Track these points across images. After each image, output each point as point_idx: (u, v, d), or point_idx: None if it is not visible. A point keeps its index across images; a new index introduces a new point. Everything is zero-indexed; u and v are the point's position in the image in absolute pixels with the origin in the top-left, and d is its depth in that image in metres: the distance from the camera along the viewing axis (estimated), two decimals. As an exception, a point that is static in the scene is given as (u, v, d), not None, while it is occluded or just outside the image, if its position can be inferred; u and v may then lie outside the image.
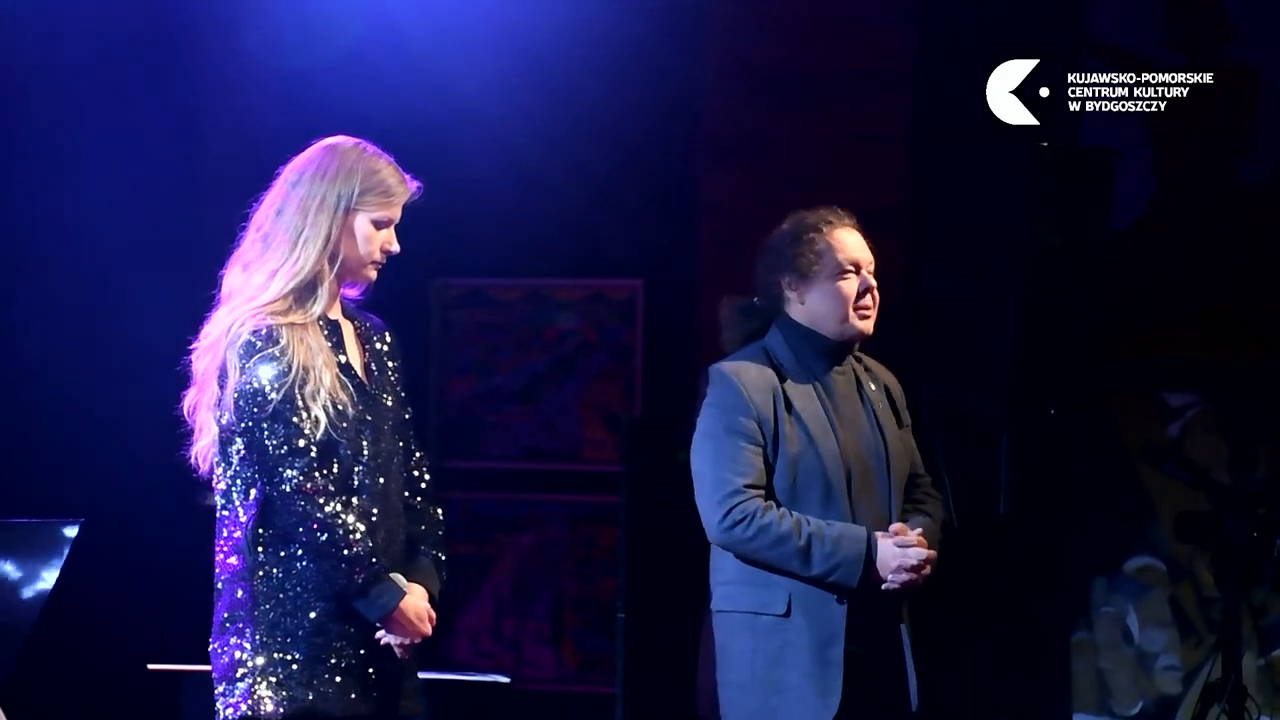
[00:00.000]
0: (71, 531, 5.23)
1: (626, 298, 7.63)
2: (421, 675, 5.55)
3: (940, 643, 6.63)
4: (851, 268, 4.69)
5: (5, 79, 6.87)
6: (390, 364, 4.33)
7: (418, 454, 4.36)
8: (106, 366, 6.19)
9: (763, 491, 4.59)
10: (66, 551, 5.22)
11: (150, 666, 5.24)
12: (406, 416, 4.35)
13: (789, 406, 4.64)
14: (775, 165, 7.27)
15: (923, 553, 4.56)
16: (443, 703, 5.63)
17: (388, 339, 4.37)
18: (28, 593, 5.24)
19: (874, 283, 4.72)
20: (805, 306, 4.71)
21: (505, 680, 5.92)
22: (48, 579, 5.24)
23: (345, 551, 4.06)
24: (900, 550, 4.55)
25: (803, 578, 4.54)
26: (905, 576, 4.54)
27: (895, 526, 4.61)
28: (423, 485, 4.34)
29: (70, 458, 6.67)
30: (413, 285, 7.70)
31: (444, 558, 4.32)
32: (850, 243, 4.71)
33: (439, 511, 4.35)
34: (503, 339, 7.75)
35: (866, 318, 4.71)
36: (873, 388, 4.82)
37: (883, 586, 4.55)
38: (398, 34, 7.46)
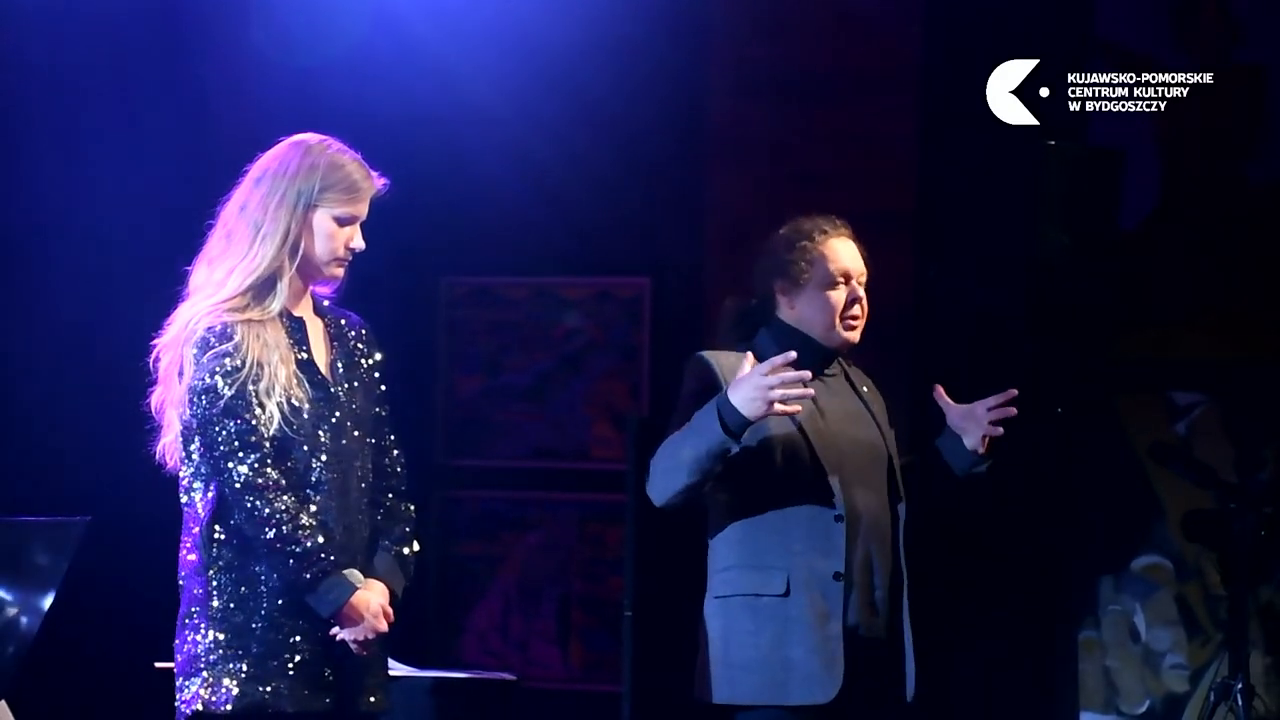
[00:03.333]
0: (78, 530, 5.23)
1: (633, 296, 7.64)
2: (429, 674, 5.58)
3: (947, 641, 6.65)
4: (841, 278, 4.75)
5: (12, 77, 6.88)
6: (364, 361, 4.34)
7: (394, 451, 4.37)
8: (113, 364, 6.18)
9: None
10: (73, 550, 5.23)
11: (157, 665, 5.24)
12: (380, 413, 4.35)
13: None
14: (781, 165, 7.28)
15: (763, 369, 4.42)
16: (450, 701, 5.63)
17: (364, 335, 4.37)
18: (34, 591, 5.24)
19: (863, 294, 4.78)
20: (794, 311, 4.77)
21: (512, 679, 5.93)
22: (54, 577, 5.24)
23: (295, 548, 4.08)
24: (751, 376, 4.41)
25: (702, 461, 4.48)
26: (770, 391, 4.40)
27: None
28: (394, 482, 4.36)
29: (77, 455, 6.68)
30: (420, 283, 7.72)
31: (409, 554, 4.33)
32: (843, 253, 4.77)
33: (410, 508, 4.37)
34: (510, 337, 7.76)
35: (853, 328, 4.77)
36: (865, 389, 4.88)
37: (764, 412, 4.42)
38: (406, 33, 7.46)
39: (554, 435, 7.74)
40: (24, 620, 5.24)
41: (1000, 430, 4.74)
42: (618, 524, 7.34)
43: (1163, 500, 7.24)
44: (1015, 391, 4.75)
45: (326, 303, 4.38)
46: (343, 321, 4.37)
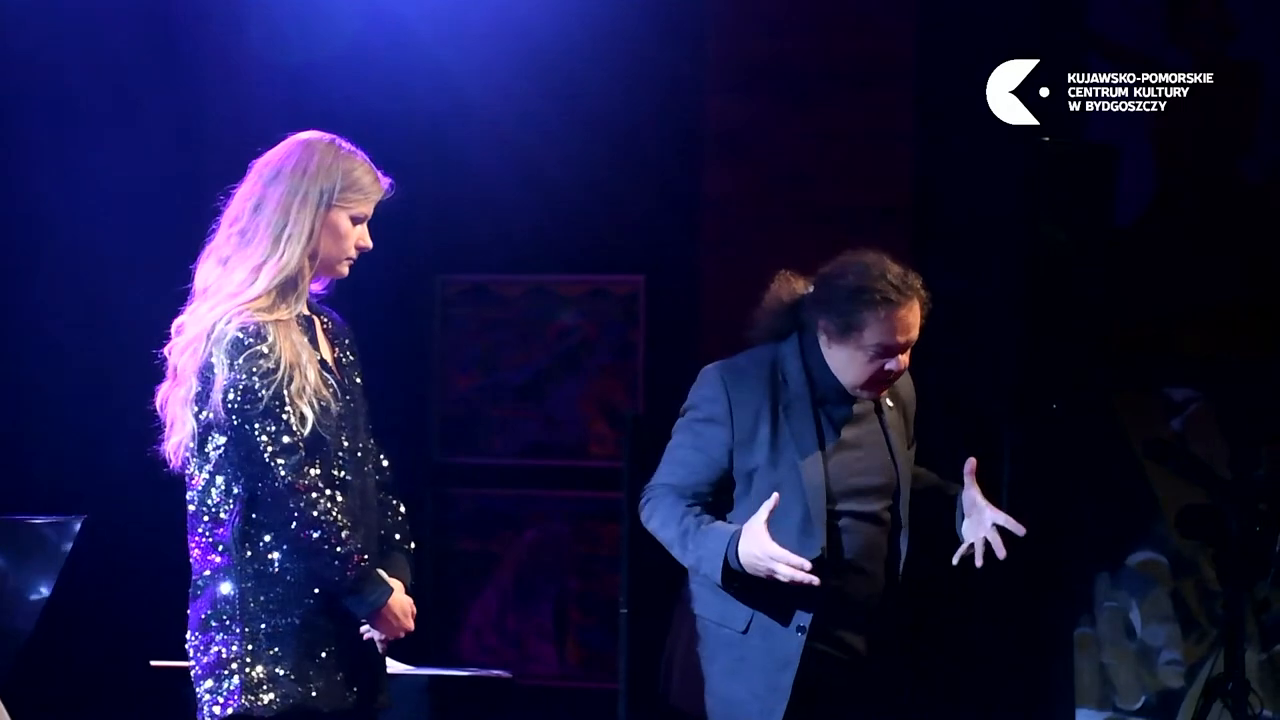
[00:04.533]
0: (74, 528, 5.24)
1: (629, 294, 7.63)
2: (426, 671, 5.58)
3: (942, 638, 6.65)
4: (888, 351, 4.49)
5: (7, 75, 6.87)
6: (354, 358, 4.34)
7: (379, 448, 4.37)
8: (109, 362, 6.19)
9: (683, 495, 4.54)
10: (69, 548, 5.24)
11: (153, 663, 5.24)
12: (367, 410, 4.36)
13: (781, 425, 4.55)
14: (777, 161, 7.28)
15: (785, 556, 4.37)
16: (446, 699, 5.63)
17: (348, 331, 4.37)
18: (30, 589, 5.26)
19: (905, 361, 4.53)
20: (831, 351, 4.54)
21: (508, 676, 5.93)
22: (50, 576, 5.25)
23: (338, 549, 4.07)
24: (756, 551, 4.38)
25: (700, 574, 4.51)
26: (777, 568, 4.37)
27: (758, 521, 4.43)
28: (385, 478, 4.36)
29: (73, 454, 6.67)
30: (415, 281, 7.72)
31: (411, 550, 4.34)
32: (901, 328, 4.48)
33: (401, 505, 4.37)
34: (505, 335, 7.76)
35: (881, 389, 4.58)
36: (889, 405, 4.71)
37: (774, 577, 4.39)
38: (401, 30, 7.46)
39: (550, 433, 7.73)
40: (19, 618, 5.25)
41: (980, 561, 4.57)
42: (614, 521, 7.33)
43: (1158, 496, 7.24)
44: (1024, 530, 4.56)
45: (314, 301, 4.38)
46: (332, 320, 4.37)
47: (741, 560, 4.40)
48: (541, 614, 7.69)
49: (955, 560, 4.64)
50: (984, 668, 6.91)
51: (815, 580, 4.38)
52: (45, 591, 5.26)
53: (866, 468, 4.63)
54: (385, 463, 4.37)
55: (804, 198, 6.98)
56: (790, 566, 4.36)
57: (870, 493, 4.63)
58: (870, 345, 4.48)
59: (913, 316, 4.51)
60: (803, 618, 4.52)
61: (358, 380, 4.32)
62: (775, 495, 4.42)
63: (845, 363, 4.52)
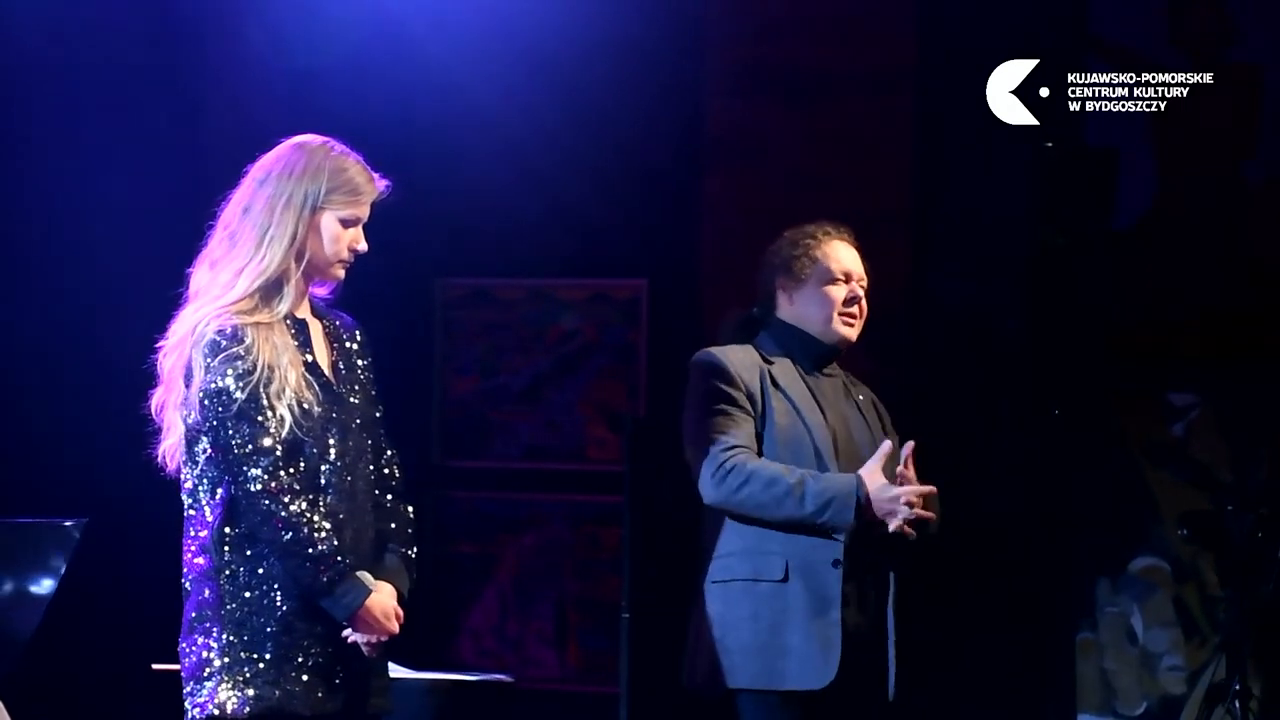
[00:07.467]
0: (75, 531, 5.24)
1: (630, 297, 7.63)
2: (425, 675, 5.58)
3: (944, 641, 6.65)
4: (842, 277, 4.89)
5: (7, 78, 6.87)
6: (360, 362, 4.34)
7: (389, 451, 4.37)
8: (109, 365, 6.18)
9: (752, 451, 4.76)
10: (70, 551, 5.24)
11: (154, 666, 5.24)
12: (377, 414, 4.35)
13: (774, 383, 4.82)
14: (778, 165, 7.27)
15: (914, 486, 4.69)
16: (446, 703, 5.63)
17: (358, 337, 4.37)
18: (32, 592, 5.25)
19: (862, 295, 4.92)
20: (794, 307, 4.92)
21: (509, 680, 5.93)
22: (51, 578, 5.25)
23: (310, 550, 4.07)
24: (889, 485, 4.68)
25: (798, 520, 4.66)
26: (903, 509, 4.66)
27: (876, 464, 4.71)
28: (393, 483, 4.35)
29: (74, 456, 6.67)
30: (416, 285, 7.71)
31: (414, 555, 4.33)
32: (843, 254, 4.93)
33: (409, 509, 4.37)
34: (506, 339, 7.76)
35: (850, 325, 4.91)
36: (860, 397, 5.00)
37: (890, 527, 4.67)
38: (402, 34, 7.46)
39: (550, 436, 7.73)
40: (21, 620, 5.25)
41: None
42: (613, 525, 7.34)
43: (1159, 502, 7.24)
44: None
45: (322, 304, 4.38)
46: (338, 323, 4.37)
47: (874, 497, 4.65)
48: (541, 617, 7.68)
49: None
50: (985, 672, 6.91)
51: (934, 492, 4.73)
52: (47, 594, 5.25)
53: (853, 434, 4.90)
54: (394, 466, 4.37)
55: (805, 202, 6.96)
56: (917, 497, 4.67)
57: (858, 457, 4.84)
58: (825, 273, 4.89)
59: (848, 251, 4.96)
60: (837, 551, 4.70)
61: (363, 382, 4.32)
62: (888, 443, 4.74)
63: (812, 303, 4.91)
